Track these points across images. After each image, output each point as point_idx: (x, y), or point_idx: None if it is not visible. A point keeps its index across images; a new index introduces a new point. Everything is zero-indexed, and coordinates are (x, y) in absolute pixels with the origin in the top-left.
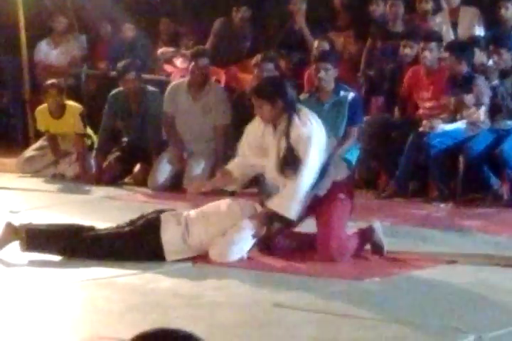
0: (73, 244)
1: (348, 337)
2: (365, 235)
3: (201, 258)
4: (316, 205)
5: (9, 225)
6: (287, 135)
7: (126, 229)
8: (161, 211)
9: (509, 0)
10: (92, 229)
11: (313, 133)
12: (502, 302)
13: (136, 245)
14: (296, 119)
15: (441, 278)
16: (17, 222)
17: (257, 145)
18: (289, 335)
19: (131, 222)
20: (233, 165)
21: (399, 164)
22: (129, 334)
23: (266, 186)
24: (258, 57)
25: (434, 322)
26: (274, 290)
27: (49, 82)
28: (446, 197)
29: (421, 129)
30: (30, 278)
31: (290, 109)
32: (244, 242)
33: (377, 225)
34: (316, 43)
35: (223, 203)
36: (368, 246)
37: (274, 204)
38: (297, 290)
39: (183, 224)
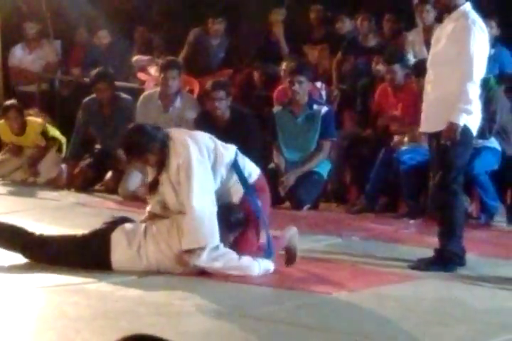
0: (25, 240)
1: None
2: (280, 241)
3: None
4: None
5: None
6: (160, 168)
7: (79, 234)
8: (116, 223)
9: (484, 18)
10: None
11: (191, 156)
12: (469, 319)
13: (82, 254)
14: (170, 151)
15: (409, 293)
16: None
17: None
18: None
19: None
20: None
21: (369, 179)
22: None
23: None
24: (208, 86)
25: (401, 338)
26: (241, 302)
27: (7, 103)
28: (416, 213)
29: (392, 144)
30: None
31: (163, 146)
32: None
33: (294, 231)
34: (284, 64)
35: (175, 221)
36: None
37: (183, 243)
38: (265, 302)
39: (136, 247)
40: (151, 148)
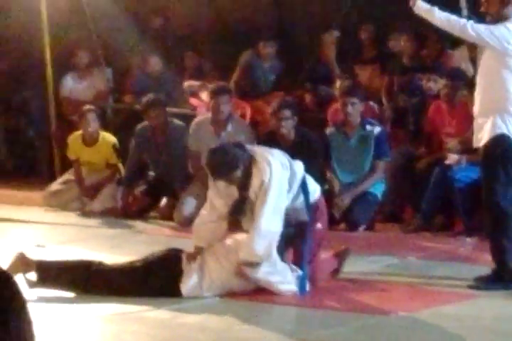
0: (85, 277)
1: None
2: (339, 258)
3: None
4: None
5: (21, 255)
6: (244, 186)
7: (138, 264)
8: (175, 250)
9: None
10: (101, 263)
11: (273, 175)
12: None
13: (150, 281)
14: (253, 169)
15: (468, 312)
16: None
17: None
18: None
19: (144, 259)
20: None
21: (424, 198)
22: None
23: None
24: (274, 105)
25: None
26: (300, 325)
27: (86, 107)
28: (472, 230)
29: (446, 162)
30: (53, 312)
31: (247, 163)
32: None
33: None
34: (338, 83)
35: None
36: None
37: (241, 253)
38: (324, 325)
39: (199, 273)
40: (235, 166)
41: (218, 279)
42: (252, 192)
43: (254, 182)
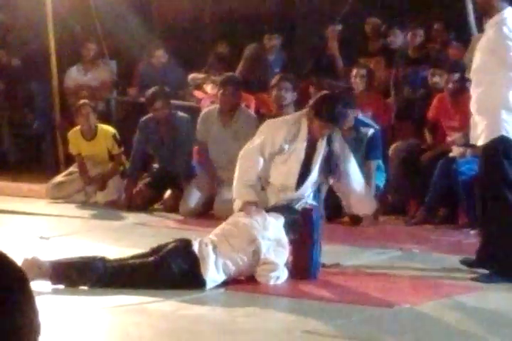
0: (98, 275)
1: None
2: None
3: (232, 283)
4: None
5: (34, 260)
6: (329, 140)
7: (151, 259)
8: (183, 240)
9: None
10: (112, 260)
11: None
12: None
13: (168, 274)
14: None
15: (473, 304)
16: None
17: (277, 149)
18: None
19: (153, 252)
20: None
21: (428, 190)
22: None
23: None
24: (276, 77)
25: None
26: (304, 317)
27: (81, 101)
28: (476, 223)
29: (450, 155)
30: (58, 304)
31: None
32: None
33: None
34: (354, 71)
35: (236, 221)
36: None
37: (369, 207)
38: (327, 317)
39: (214, 256)
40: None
41: (228, 258)
42: (336, 147)
43: (337, 137)
